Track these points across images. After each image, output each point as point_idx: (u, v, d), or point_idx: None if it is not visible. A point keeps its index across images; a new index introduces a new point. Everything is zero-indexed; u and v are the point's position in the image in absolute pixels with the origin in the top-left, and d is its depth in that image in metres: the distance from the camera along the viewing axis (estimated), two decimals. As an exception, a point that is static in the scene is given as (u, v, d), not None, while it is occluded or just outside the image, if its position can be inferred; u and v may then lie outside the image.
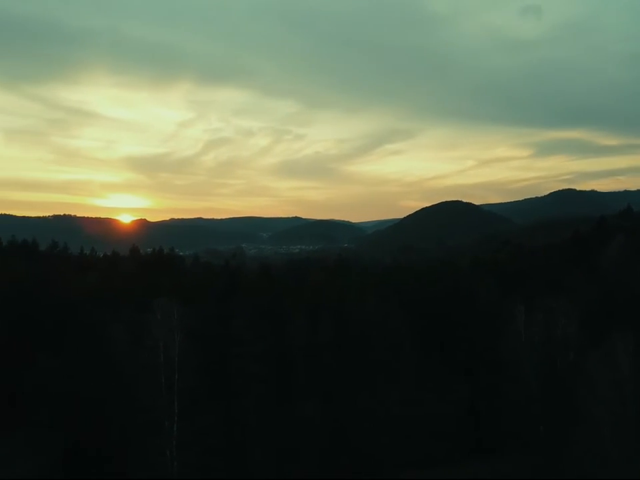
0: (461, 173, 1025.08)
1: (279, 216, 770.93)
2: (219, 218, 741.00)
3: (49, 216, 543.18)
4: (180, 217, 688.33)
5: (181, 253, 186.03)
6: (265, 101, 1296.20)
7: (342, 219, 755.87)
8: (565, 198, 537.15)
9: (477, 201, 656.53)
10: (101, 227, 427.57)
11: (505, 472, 43.40)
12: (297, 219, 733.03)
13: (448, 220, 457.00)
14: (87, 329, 50.30)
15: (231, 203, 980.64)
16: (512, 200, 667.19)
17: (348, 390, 49.99)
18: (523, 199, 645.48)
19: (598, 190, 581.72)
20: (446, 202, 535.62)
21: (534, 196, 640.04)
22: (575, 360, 44.11)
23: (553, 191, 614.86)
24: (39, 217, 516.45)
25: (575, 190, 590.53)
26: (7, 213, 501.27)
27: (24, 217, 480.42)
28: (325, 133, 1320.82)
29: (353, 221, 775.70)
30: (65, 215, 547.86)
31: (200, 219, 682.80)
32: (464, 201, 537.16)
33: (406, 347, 53.05)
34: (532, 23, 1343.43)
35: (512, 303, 49.67)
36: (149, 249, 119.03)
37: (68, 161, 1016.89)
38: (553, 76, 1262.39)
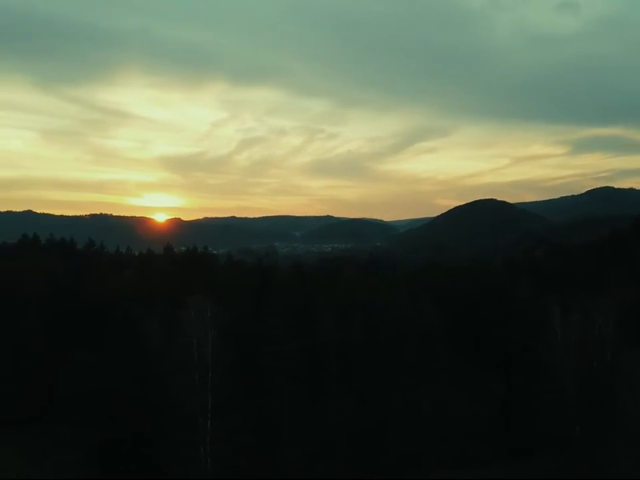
0: (495, 171, 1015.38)
1: (312, 215, 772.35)
2: (252, 217, 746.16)
3: (86, 215, 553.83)
4: (213, 215, 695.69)
5: (215, 252, 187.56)
6: (297, 100, 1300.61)
7: (374, 217, 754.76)
8: (603, 196, 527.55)
9: (511, 199, 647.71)
10: (136, 226, 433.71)
11: (539, 472, 42.82)
12: (329, 217, 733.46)
13: (482, 218, 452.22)
14: (122, 325, 51.12)
15: (263, 201, 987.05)
16: (548, 198, 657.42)
17: (380, 388, 49.84)
18: (559, 197, 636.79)
19: (637, 188, 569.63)
20: (480, 200, 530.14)
21: (570, 194, 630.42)
22: (612, 360, 43.27)
23: (590, 188, 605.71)
24: (76, 216, 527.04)
25: (612, 188, 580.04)
26: (46, 212, 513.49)
27: (62, 216, 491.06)
28: (357, 131, 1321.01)
29: (386, 220, 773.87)
30: (101, 213, 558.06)
31: (233, 217, 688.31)
32: (498, 199, 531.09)
33: (439, 346, 52.63)
34: (568, 18, 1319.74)
35: (548, 302, 48.90)
36: (182, 248, 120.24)
37: (104, 161, 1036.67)
38: (590, 72, 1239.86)
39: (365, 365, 51.57)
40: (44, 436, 49.52)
